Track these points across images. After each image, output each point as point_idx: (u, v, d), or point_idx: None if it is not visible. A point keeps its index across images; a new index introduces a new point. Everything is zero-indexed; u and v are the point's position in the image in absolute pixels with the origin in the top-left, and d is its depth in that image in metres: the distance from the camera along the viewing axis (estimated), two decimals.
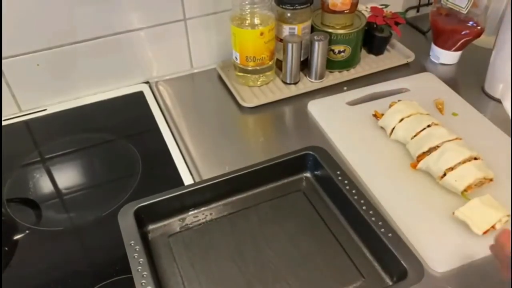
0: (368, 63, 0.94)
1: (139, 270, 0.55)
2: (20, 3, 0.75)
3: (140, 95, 0.90)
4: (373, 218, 0.61)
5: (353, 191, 0.64)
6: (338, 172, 0.67)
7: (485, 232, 0.60)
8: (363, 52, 0.96)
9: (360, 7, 0.93)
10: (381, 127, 0.77)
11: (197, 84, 0.94)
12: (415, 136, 0.71)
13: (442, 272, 0.58)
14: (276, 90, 0.88)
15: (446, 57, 0.95)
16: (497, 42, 0.83)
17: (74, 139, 0.81)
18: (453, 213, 0.62)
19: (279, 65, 0.90)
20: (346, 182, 0.66)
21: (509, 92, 0.83)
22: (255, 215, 0.66)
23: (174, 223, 0.65)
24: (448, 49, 0.94)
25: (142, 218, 0.63)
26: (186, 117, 0.84)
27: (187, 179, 0.71)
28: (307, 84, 0.89)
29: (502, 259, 0.49)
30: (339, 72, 0.92)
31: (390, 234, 0.59)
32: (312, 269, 0.59)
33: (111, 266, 0.60)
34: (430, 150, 0.68)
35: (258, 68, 0.86)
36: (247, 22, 0.82)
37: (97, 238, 0.65)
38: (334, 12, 0.85)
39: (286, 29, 0.85)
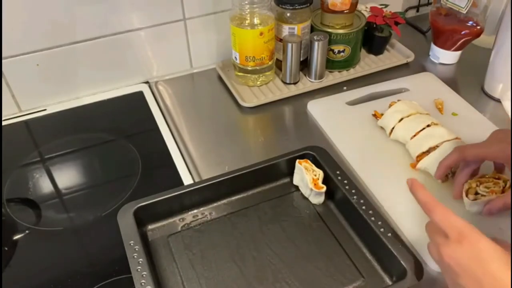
0: (368, 63, 0.94)
1: (139, 270, 0.55)
2: (20, 3, 0.75)
3: (139, 95, 0.90)
4: (372, 218, 0.61)
5: (353, 191, 0.64)
6: (338, 172, 0.67)
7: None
8: (363, 52, 0.96)
9: (360, 7, 0.93)
10: (381, 127, 0.77)
11: (197, 84, 0.94)
12: (414, 136, 0.71)
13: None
14: (276, 90, 0.88)
15: (445, 57, 0.95)
16: (497, 42, 0.83)
17: (74, 139, 0.81)
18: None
19: (278, 65, 0.90)
20: (345, 182, 0.66)
21: (509, 92, 0.83)
22: (255, 215, 0.66)
23: (174, 223, 0.65)
24: (448, 49, 0.94)
25: (142, 218, 0.63)
26: (186, 117, 0.84)
27: (186, 179, 0.71)
28: (306, 84, 0.89)
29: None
30: (339, 72, 0.92)
31: (389, 234, 0.59)
32: (312, 269, 0.59)
33: (110, 266, 0.60)
34: (430, 150, 0.68)
35: (257, 68, 0.86)
36: (247, 22, 0.82)
37: (97, 238, 0.65)
38: (333, 12, 0.85)
39: (285, 29, 0.85)
